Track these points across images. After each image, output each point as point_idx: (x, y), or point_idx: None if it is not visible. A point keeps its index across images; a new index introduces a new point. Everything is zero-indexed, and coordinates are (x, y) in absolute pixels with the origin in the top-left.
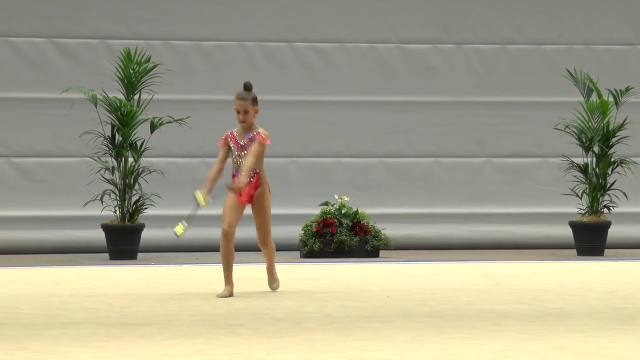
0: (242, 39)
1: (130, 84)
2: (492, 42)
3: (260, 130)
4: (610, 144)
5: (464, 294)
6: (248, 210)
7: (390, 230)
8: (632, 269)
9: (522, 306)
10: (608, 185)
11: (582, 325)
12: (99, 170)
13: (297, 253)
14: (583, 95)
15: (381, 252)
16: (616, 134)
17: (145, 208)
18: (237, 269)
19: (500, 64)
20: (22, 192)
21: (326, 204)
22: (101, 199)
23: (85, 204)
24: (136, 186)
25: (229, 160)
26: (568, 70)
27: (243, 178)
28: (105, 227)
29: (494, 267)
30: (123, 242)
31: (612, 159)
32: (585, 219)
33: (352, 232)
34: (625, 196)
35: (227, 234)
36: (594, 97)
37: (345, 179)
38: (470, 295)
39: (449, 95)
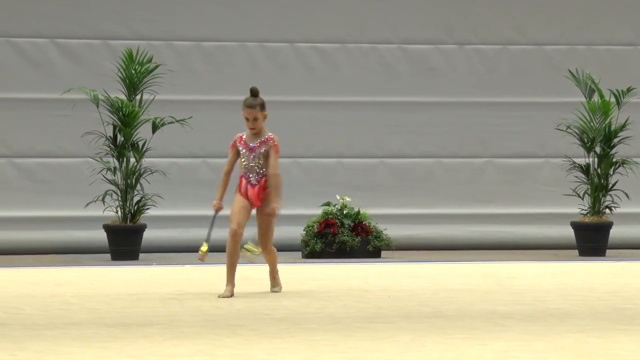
0: (243, 39)
1: (132, 85)
2: (493, 43)
3: (273, 136)
4: (612, 144)
5: (466, 295)
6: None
7: (391, 231)
8: (633, 269)
9: (524, 307)
10: (610, 185)
11: (584, 326)
12: (101, 171)
13: (299, 253)
14: (585, 96)
15: (383, 253)
16: (618, 135)
17: (147, 208)
18: (238, 269)
19: (501, 64)
20: (24, 193)
21: (328, 204)
22: (103, 200)
23: (87, 204)
24: (138, 186)
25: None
26: (570, 71)
27: (276, 204)
28: (107, 228)
29: (495, 267)
30: (125, 243)
31: (614, 160)
32: (587, 220)
33: (354, 233)
34: (627, 196)
35: (236, 234)
36: (595, 98)
37: (346, 180)
38: (472, 295)
39: (450, 96)
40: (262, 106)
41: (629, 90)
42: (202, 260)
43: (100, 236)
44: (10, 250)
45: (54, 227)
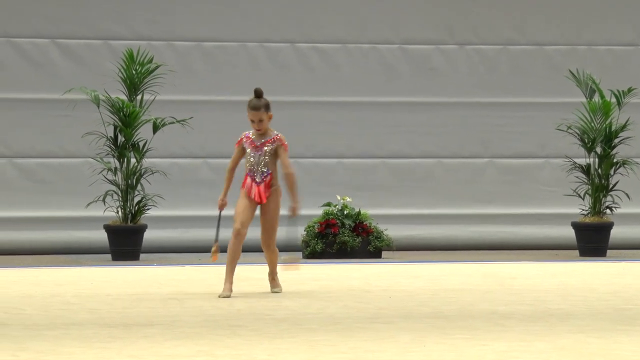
0: (244, 39)
1: (133, 85)
2: (493, 43)
3: (280, 135)
4: (613, 144)
5: (466, 295)
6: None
7: (392, 231)
8: (634, 269)
9: (525, 307)
10: (610, 186)
11: (585, 326)
12: (102, 171)
13: (300, 254)
14: (585, 96)
15: (383, 253)
16: (618, 135)
17: (148, 209)
18: (238, 270)
19: (501, 64)
20: (24, 193)
21: (328, 204)
22: (103, 200)
23: (88, 204)
24: (138, 187)
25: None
26: (570, 71)
27: (295, 203)
28: (108, 228)
29: (496, 267)
30: (125, 243)
31: (615, 160)
32: (587, 220)
33: (355, 233)
34: (628, 197)
35: (239, 234)
36: (596, 98)
37: (347, 180)
38: (473, 296)
39: (450, 96)
40: (267, 107)
41: (629, 90)
42: (213, 261)
43: (100, 236)
44: (11, 251)
45: (55, 228)
